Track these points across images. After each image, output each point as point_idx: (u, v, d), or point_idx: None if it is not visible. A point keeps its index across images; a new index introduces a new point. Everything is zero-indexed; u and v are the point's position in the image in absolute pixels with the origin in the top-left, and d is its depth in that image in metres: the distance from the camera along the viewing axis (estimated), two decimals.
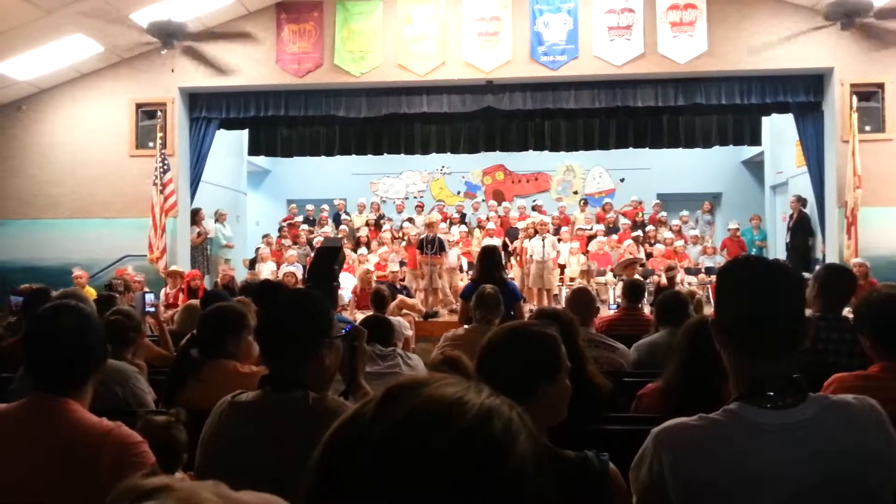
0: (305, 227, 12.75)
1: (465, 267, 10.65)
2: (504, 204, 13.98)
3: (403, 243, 11.30)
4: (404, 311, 8.28)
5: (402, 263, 10.50)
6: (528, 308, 6.57)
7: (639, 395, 2.64)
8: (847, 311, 3.32)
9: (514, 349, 1.59)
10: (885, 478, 1.27)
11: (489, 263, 5.18)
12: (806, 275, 6.24)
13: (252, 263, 11.23)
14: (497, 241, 10.57)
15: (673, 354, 2.35)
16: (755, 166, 14.25)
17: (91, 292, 8.13)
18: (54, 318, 1.75)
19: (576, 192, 15.46)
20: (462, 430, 0.56)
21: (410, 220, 12.71)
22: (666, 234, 11.76)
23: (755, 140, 11.78)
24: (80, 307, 1.80)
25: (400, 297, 8.53)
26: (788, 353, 1.33)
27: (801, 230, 10.39)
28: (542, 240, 9.95)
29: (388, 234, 11.62)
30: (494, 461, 0.56)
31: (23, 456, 1.59)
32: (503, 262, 6.64)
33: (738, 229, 11.80)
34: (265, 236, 12.16)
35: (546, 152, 12.29)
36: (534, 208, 12.89)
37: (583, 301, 3.99)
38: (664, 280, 8.36)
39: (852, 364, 2.67)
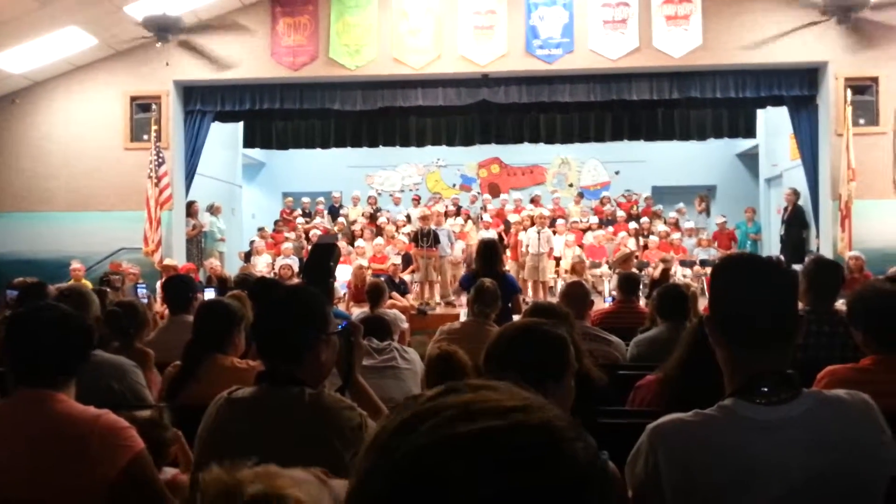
0: (302, 219, 12.75)
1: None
2: (502, 196, 13.97)
3: (402, 237, 11.26)
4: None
5: (401, 256, 10.49)
6: (523, 300, 6.59)
7: (637, 386, 2.65)
8: (840, 304, 3.34)
9: (525, 346, 1.61)
10: (878, 472, 1.28)
11: (489, 257, 5.21)
12: (798, 268, 6.27)
13: (248, 256, 11.23)
14: (493, 234, 10.58)
15: (678, 346, 2.36)
16: (750, 159, 14.28)
17: (87, 285, 8.13)
18: (34, 317, 1.80)
19: (571, 185, 15.47)
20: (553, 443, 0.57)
21: (408, 216, 12.69)
22: (660, 226, 11.80)
23: (750, 133, 11.79)
24: (61, 307, 1.85)
25: (393, 295, 8.49)
26: (782, 349, 1.35)
27: (796, 223, 10.42)
28: (538, 232, 9.96)
29: (392, 226, 11.56)
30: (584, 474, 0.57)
31: (15, 449, 1.62)
32: (502, 255, 6.66)
33: (725, 222, 11.83)
34: (260, 229, 12.15)
35: (541, 145, 12.28)
36: (532, 200, 12.89)
37: (577, 294, 3.99)
38: (657, 273, 8.37)
39: (845, 357, 2.69)
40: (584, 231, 11.81)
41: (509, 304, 4.71)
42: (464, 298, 6.93)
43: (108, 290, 6.06)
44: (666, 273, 8.23)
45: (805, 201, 10.25)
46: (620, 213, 12.50)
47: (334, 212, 13.08)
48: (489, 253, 5.27)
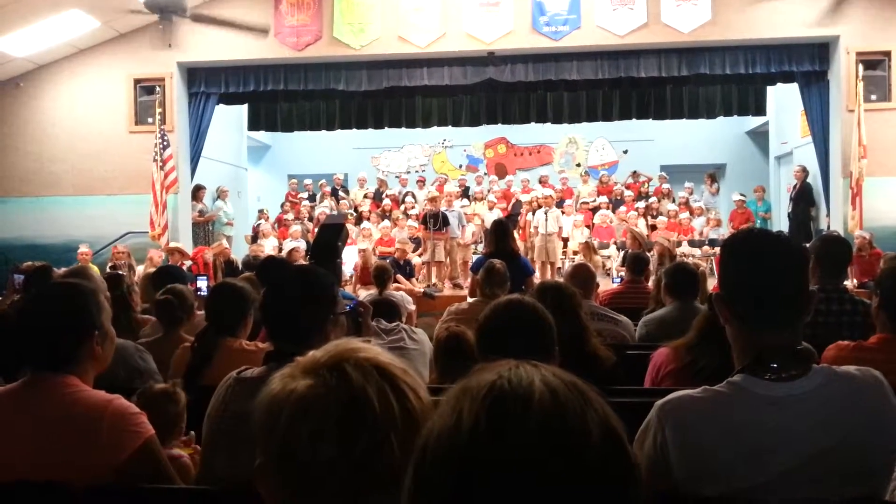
0: (307, 202, 12.74)
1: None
2: (508, 177, 13.91)
3: (410, 221, 11.22)
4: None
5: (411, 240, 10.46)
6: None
7: (652, 356, 2.62)
8: (850, 283, 3.31)
9: (509, 326, 1.61)
10: (887, 448, 1.28)
11: (501, 237, 5.22)
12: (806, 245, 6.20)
13: (254, 239, 11.25)
14: (500, 214, 10.53)
15: (691, 330, 2.35)
16: (760, 137, 14.14)
17: (94, 269, 8.15)
18: (38, 300, 1.80)
19: (578, 165, 15.38)
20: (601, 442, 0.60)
21: (412, 195, 12.64)
22: (669, 206, 11.72)
23: (760, 110, 11.66)
24: (69, 285, 1.83)
25: (398, 278, 8.49)
26: (791, 325, 1.34)
27: (803, 200, 10.34)
28: (546, 213, 9.92)
29: (400, 211, 11.51)
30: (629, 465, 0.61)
31: (25, 433, 1.62)
32: (512, 233, 6.67)
33: (744, 200, 11.69)
34: (261, 211, 12.17)
35: (548, 124, 12.20)
36: (540, 181, 12.83)
37: (582, 276, 3.96)
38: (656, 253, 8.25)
39: (853, 335, 2.67)
40: (594, 211, 11.75)
41: (523, 287, 4.70)
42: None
43: (123, 274, 6.05)
44: (664, 251, 8.10)
45: (815, 179, 10.15)
46: (628, 193, 12.42)
47: (336, 193, 13.06)
48: (501, 233, 5.29)
